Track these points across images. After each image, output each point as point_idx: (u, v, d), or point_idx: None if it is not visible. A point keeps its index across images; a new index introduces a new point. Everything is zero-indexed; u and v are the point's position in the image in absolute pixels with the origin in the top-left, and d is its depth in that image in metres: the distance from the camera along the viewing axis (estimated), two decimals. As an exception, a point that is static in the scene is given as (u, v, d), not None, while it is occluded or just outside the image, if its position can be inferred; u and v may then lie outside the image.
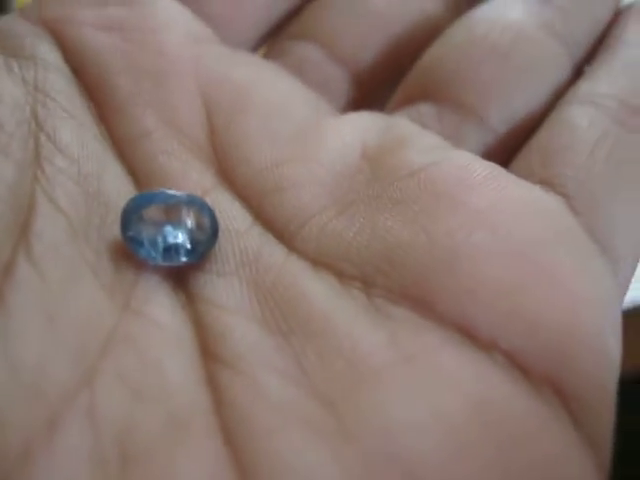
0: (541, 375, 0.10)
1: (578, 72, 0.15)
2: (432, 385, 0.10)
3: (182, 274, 0.12)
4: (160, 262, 0.12)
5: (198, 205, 0.12)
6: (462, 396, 0.10)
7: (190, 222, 0.12)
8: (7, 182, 0.11)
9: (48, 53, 0.13)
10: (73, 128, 0.12)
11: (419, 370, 0.10)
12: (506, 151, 0.14)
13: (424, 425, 0.09)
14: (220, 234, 0.12)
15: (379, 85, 0.17)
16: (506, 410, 0.10)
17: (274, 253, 0.12)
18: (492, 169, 0.12)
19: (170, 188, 0.12)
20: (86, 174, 0.12)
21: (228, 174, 0.13)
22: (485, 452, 0.09)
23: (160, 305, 0.11)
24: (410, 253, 0.11)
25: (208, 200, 0.12)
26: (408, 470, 0.09)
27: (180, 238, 0.12)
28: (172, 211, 0.12)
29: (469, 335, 0.10)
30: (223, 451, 0.09)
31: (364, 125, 0.14)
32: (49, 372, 0.09)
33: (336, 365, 0.10)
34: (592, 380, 0.10)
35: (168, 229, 0.12)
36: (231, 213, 0.13)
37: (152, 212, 0.12)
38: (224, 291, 0.11)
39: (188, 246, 0.12)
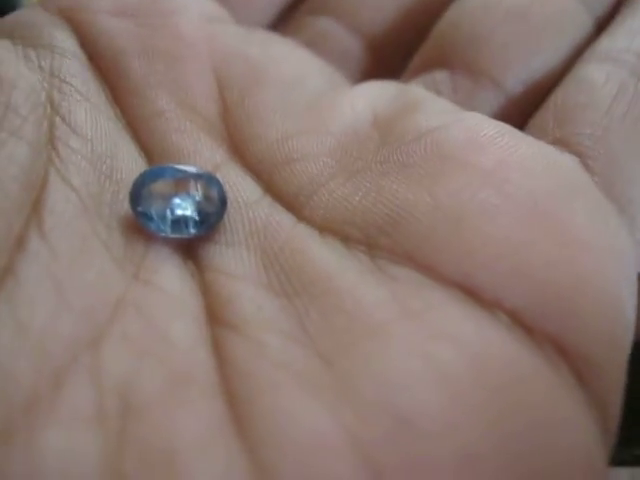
0: (544, 333, 0.10)
1: (599, 29, 0.15)
2: (431, 338, 0.10)
3: (192, 245, 0.12)
4: (169, 234, 0.12)
5: (206, 178, 0.12)
6: (460, 349, 0.10)
7: (198, 195, 0.12)
8: (20, 163, 0.11)
9: (65, 41, 0.14)
10: (87, 110, 0.13)
11: (420, 325, 0.10)
12: (523, 114, 0.14)
13: (419, 374, 0.09)
14: (229, 206, 0.12)
15: (397, 55, 0.17)
16: (505, 366, 0.10)
17: (282, 222, 0.12)
18: (501, 128, 0.12)
19: (180, 163, 0.13)
20: (99, 153, 0.12)
21: (240, 149, 0.13)
22: (480, 403, 0.09)
23: (168, 275, 0.11)
24: (413, 214, 0.11)
25: (219, 175, 0.13)
26: (402, 417, 0.09)
27: (188, 211, 0.12)
28: (180, 185, 0.12)
29: (472, 295, 0.10)
30: (223, 407, 0.09)
31: (376, 93, 0.14)
32: (55, 333, 0.09)
33: (337, 322, 0.10)
34: (600, 337, 0.10)
35: (176, 202, 0.12)
36: (241, 186, 0.13)
37: (161, 186, 0.12)
38: (232, 260, 0.12)
39: (196, 218, 0.12)
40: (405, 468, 0.09)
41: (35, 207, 0.11)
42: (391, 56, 0.17)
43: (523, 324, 0.10)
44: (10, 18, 0.14)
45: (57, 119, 0.12)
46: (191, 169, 0.12)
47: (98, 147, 0.12)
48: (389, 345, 0.10)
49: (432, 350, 0.10)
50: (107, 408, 0.09)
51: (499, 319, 0.10)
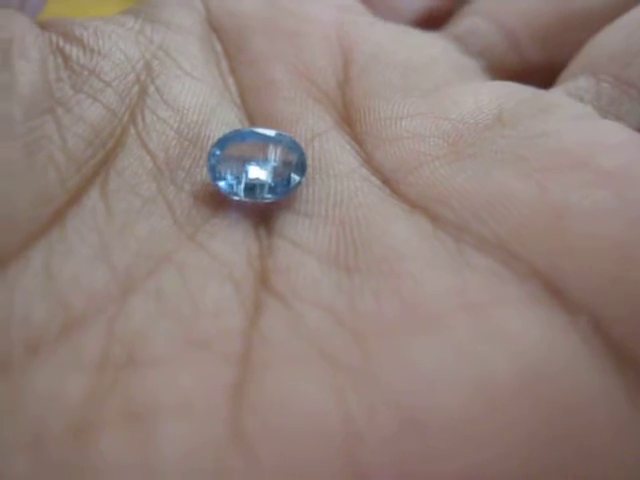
0: (633, 355, 0.08)
1: None
2: (484, 337, 0.09)
3: (268, 211, 0.11)
4: (243, 198, 0.11)
5: (286, 143, 0.11)
6: (514, 354, 0.08)
7: (276, 159, 0.11)
8: (90, 122, 0.11)
9: (183, 18, 0.14)
10: (187, 84, 0.13)
11: (478, 320, 0.09)
12: None
13: (454, 376, 0.08)
14: (317, 176, 0.12)
15: (545, 62, 0.16)
16: (568, 384, 0.08)
17: (372, 195, 0.11)
18: (635, 136, 0.11)
19: (265, 127, 0.12)
20: (189, 122, 0.12)
21: (349, 120, 0.13)
22: (518, 422, 0.08)
23: (226, 239, 0.11)
24: (514, 202, 0.10)
25: (318, 142, 0.12)
26: (413, 421, 0.08)
27: (263, 175, 0.11)
28: (259, 148, 0.11)
29: (556, 295, 0.09)
30: (233, 375, 0.09)
31: (507, 91, 0.13)
32: (82, 284, 0.09)
33: (388, 306, 0.09)
34: None
35: (252, 166, 0.11)
36: (339, 156, 0.12)
37: (238, 149, 0.11)
38: (307, 231, 0.11)
39: (272, 183, 0.11)
40: None
41: (103, 167, 0.11)
42: (539, 61, 0.16)
43: (608, 338, 0.09)
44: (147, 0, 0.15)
45: (151, 88, 0.12)
46: (271, 133, 0.11)
47: (190, 117, 0.12)
48: (434, 338, 0.09)
49: (479, 351, 0.09)
50: (110, 359, 0.09)
51: (578, 326, 0.09)
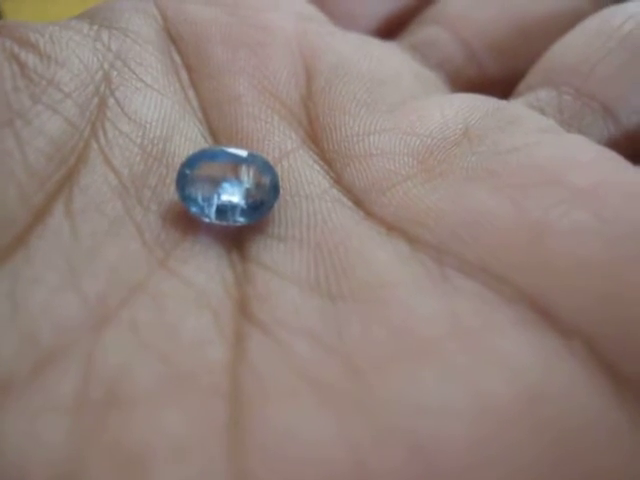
0: (630, 378, 0.08)
1: None
2: (480, 362, 0.09)
3: (240, 235, 0.11)
4: (213, 221, 0.11)
5: (259, 164, 0.11)
6: (513, 379, 0.08)
7: (248, 181, 0.11)
8: (51, 136, 0.10)
9: (141, 26, 0.13)
10: (147, 95, 0.12)
11: (471, 346, 0.09)
12: (637, 147, 0.13)
13: (455, 403, 0.08)
14: (289, 197, 0.11)
15: (503, 72, 0.16)
16: (569, 408, 0.08)
17: (346, 217, 0.11)
18: (606, 152, 0.11)
19: (233, 146, 0.12)
20: (152, 137, 0.12)
21: (315, 138, 0.13)
22: (524, 448, 0.08)
23: (200, 265, 0.10)
24: (493, 221, 0.10)
25: (286, 162, 0.12)
26: (420, 449, 0.08)
27: (236, 197, 0.11)
28: (230, 169, 0.11)
29: (546, 317, 0.09)
30: (222, 410, 0.08)
31: (472, 105, 0.13)
32: (52, 315, 0.09)
33: (379, 334, 0.09)
34: None
35: (224, 187, 0.11)
36: (308, 176, 0.12)
37: (209, 169, 0.11)
38: (282, 255, 0.11)
39: (244, 206, 0.11)
40: None
41: (66, 183, 0.10)
42: (497, 72, 0.16)
43: (602, 358, 0.08)
44: (101, 4, 0.14)
45: (111, 101, 0.12)
46: (243, 153, 0.11)
47: (152, 132, 0.12)
48: (430, 365, 0.09)
49: (478, 376, 0.08)
50: (89, 398, 0.08)
51: (573, 350, 0.09)
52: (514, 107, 0.13)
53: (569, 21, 0.15)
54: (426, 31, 0.16)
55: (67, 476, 0.07)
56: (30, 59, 0.11)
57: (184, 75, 0.13)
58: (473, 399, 0.08)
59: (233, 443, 0.08)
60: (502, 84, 0.15)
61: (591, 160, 0.11)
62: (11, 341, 0.08)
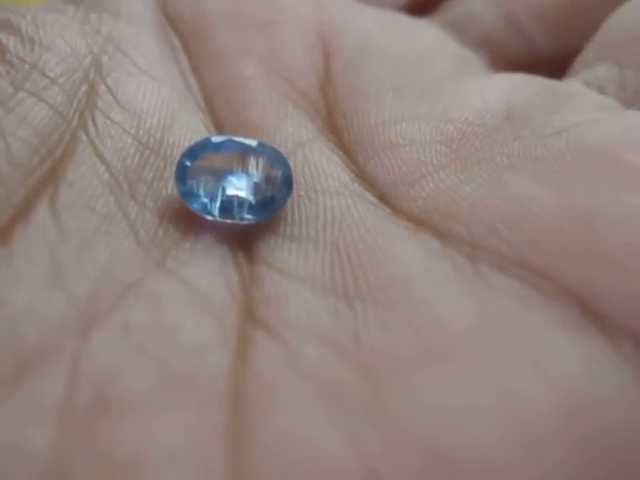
0: None
1: None
2: (514, 366, 0.08)
3: (248, 235, 0.10)
4: (217, 218, 0.10)
5: (270, 155, 0.10)
6: (551, 384, 0.08)
7: (258, 174, 0.10)
8: (35, 126, 0.10)
9: (135, 6, 0.12)
10: (143, 83, 0.11)
11: (504, 348, 0.08)
12: None
13: (485, 410, 0.08)
14: (303, 193, 0.10)
15: (554, 48, 0.14)
16: (617, 417, 0.08)
17: (368, 213, 0.10)
18: None
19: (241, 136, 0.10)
20: (149, 127, 0.11)
21: (335, 126, 0.11)
22: (562, 459, 0.07)
23: (201, 266, 0.09)
24: (534, 212, 0.09)
25: (300, 153, 0.11)
26: (440, 458, 0.07)
27: (243, 191, 0.10)
28: (237, 160, 0.10)
29: (592, 316, 0.08)
30: (223, 418, 0.08)
31: (518, 85, 0.12)
32: (36, 315, 0.08)
33: (399, 337, 0.08)
34: None
35: (230, 180, 0.10)
36: (326, 169, 0.11)
37: (213, 160, 0.10)
38: (294, 257, 0.09)
39: (252, 201, 0.10)
40: None
41: (51, 178, 0.09)
42: (547, 49, 0.14)
43: None
44: None
45: (102, 88, 0.11)
46: (252, 142, 0.10)
47: (149, 121, 0.11)
48: (454, 368, 0.08)
49: (509, 382, 0.08)
50: (76, 404, 0.08)
51: (622, 351, 0.08)
52: (568, 86, 0.12)
53: None
54: (463, 5, 0.14)
55: None
56: (11, 42, 0.10)
57: (184, 60, 0.12)
58: (505, 407, 0.08)
59: (233, 454, 0.07)
60: (553, 62, 0.13)
61: None
62: None
